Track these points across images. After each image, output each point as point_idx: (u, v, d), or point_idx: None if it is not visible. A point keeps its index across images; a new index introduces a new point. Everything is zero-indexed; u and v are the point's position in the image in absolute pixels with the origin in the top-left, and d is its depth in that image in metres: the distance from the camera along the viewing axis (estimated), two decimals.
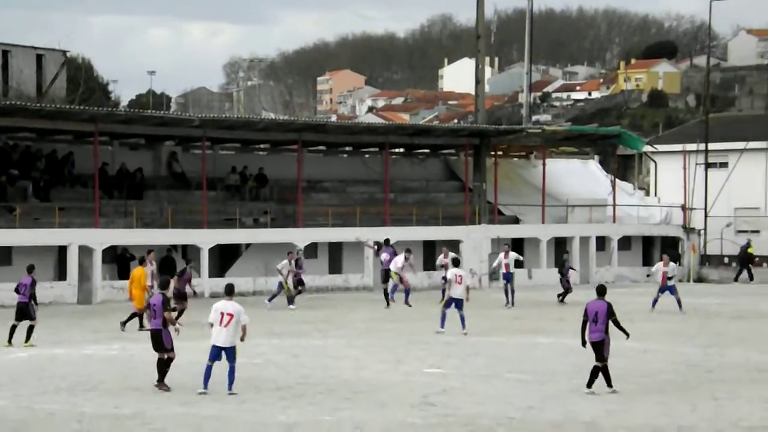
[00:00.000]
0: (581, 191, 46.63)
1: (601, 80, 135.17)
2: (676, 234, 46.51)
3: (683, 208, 46.73)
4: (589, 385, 16.00)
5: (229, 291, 16.19)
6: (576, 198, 45.55)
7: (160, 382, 16.30)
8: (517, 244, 42.48)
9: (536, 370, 18.71)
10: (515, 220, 43.87)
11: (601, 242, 44.37)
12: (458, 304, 23.54)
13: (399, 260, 29.55)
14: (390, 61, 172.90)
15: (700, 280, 44.93)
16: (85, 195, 35.43)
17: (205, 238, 35.65)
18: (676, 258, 46.46)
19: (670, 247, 46.95)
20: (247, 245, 37.84)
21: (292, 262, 30.85)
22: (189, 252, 36.46)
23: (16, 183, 34.66)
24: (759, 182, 48.77)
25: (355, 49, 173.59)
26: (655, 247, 47.02)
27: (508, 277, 30.75)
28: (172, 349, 16.32)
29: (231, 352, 15.92)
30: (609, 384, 16.02)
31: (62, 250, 33.54)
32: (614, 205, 45.43)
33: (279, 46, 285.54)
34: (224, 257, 37.37)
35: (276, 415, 14.55)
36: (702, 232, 47.18)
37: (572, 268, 34.53)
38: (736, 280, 43.18)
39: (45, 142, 37.06)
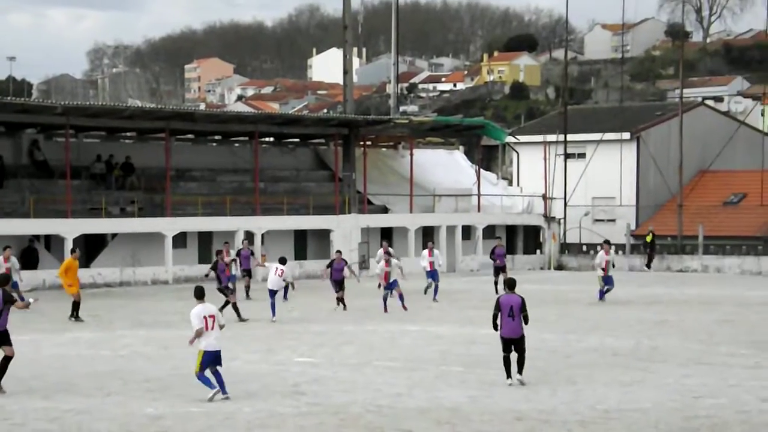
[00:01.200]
0: (447, 181, 47.55)
1: (466, 72, 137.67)
2: (538, 223, 47.99)
3: (544, 197, 48.21)
4: (509, 375, 16.18)
5: (201, 294, 15.42)
6: (442, 188, 46.45)
7: None
8: (386, 234, 43.09)
9: (404, 357, 19.12)
10: (384, 210, 44.44)
11: (467, 231, 45.40)
12: (283, 294, 27.34)
13: (379, 266, 27.67)
14: (259, 50, 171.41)
15: (559, 267, 46.44)
16: None
17: (69, 228, 34.81)
18: (538, 246, 48.02)
19: (532, 236, 48.38)
20: (114, 235, 37.13)
21: (231, 252, 30.11)
22: (53, 242, 35.55)
23: None
24: (614, 172, 50.56)
25: (223, 37, 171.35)
26: (518, 236, 48.42)
27: (433, 275, 30.27)
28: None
29: (220, 355, 15.12)
30: (520, 371, 16.20)
31: None
32: (479, 195, 46.53)
33: (145, 34, 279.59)
34: (90, 247, 36.56)
35: (143, 408, 14.41)
36: (562, 221, 48.76)
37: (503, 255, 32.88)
38: (648, 267, 44.05)
39: None
